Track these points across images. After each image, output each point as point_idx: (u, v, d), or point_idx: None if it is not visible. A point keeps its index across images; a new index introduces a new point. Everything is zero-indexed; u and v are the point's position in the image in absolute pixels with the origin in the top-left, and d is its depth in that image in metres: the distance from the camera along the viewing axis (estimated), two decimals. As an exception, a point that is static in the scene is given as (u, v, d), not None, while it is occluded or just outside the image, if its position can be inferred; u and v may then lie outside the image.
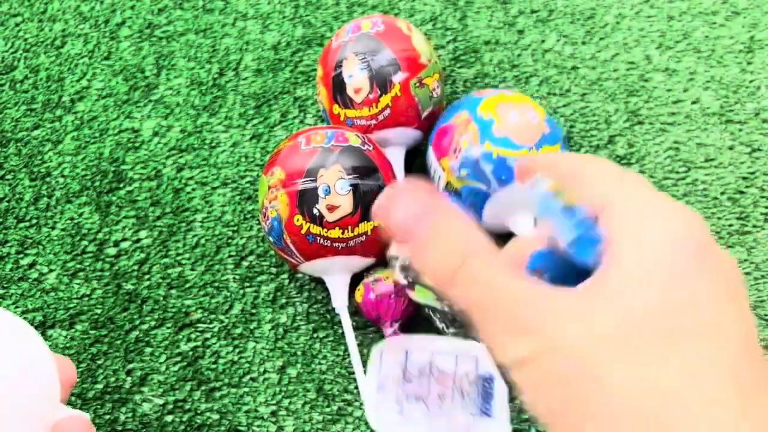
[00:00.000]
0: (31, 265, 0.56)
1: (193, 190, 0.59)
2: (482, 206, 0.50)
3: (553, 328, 0.22)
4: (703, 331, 0.21)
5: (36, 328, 0.54)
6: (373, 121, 0.54)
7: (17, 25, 0.68)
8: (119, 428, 0.50)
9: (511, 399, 0.48)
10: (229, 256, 0.56)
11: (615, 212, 0.24)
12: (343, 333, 0.52)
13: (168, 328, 0.53)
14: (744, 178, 0.57)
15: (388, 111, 0.53)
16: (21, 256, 0.57)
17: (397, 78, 0.53)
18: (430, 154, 0.53)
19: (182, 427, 0.50)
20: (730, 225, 0.55)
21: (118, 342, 0.53)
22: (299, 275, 0.55)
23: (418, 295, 0.50)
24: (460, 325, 0.50)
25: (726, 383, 0.21)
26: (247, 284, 0.55)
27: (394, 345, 0.49)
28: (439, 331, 0.51)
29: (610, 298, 0.22)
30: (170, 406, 0.51)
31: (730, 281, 0.23)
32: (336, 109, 0.55)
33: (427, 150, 0.54)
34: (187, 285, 0.55)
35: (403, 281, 0.49)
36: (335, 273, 0.50)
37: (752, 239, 0.55)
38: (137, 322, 0.54)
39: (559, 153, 0.47)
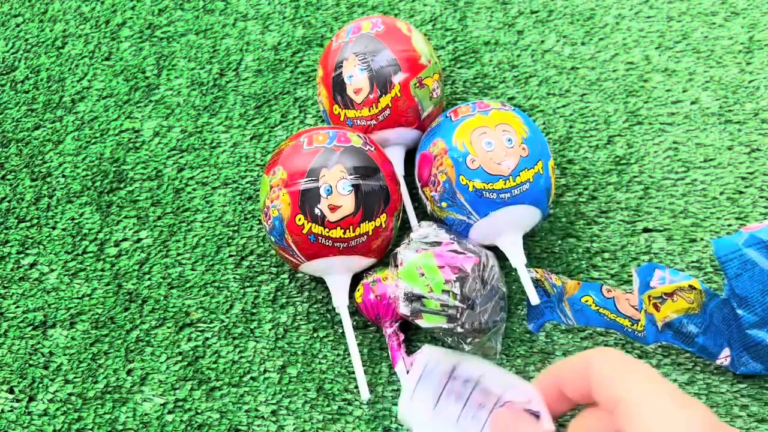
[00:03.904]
0: (32, 265, 0.57)
1: (194, 190, 0.59)
2: (467, 231, 0.51)
3: None
4: None
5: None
6: (373, 122, 0.54)
7: (18, 25, 0.68)
8: (119, 428, 0.50)
9: None
10: (230, 256, 0.56)
11: (626, 415, 0.29)
12: (343, 333, 0.52)
13: (168, 327, 0.53)
14: (743, 178, 0.57)
15: (388, 111, 0.53)
16: (22, 255, 0.57)
17: (397, 78, 0.53)
18: (416, 176, 0.54)
19: (182, 426, 0.50)
20: (729, 225, 0.55)
21: (119, 342, 0.53)
22: (299, 275, 0.55)
23: (428, 321, 0.50)
24: (472, 342, 0.50)
25: None
26: (248, 284, 0.55)
27: (445, 354, 0.47)
28: (452, 348, 0.51)
29: None
30: (170, 406, 0.51)
31: None
32: (336, 109, 0.55)
33: (414, 169, 0.54)
34: (188, 285, 0.55)
35: (407, 311, 0.49)
36: (336, 273, 0.50)
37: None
38: (138, 322, 0.54)
39: (558, 364, 0.36)
